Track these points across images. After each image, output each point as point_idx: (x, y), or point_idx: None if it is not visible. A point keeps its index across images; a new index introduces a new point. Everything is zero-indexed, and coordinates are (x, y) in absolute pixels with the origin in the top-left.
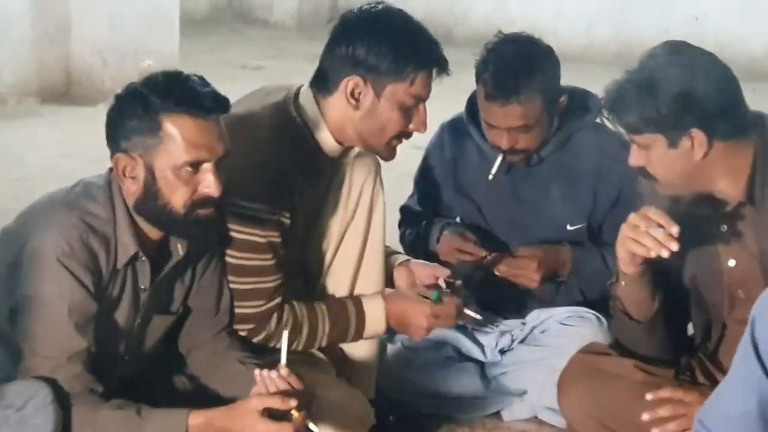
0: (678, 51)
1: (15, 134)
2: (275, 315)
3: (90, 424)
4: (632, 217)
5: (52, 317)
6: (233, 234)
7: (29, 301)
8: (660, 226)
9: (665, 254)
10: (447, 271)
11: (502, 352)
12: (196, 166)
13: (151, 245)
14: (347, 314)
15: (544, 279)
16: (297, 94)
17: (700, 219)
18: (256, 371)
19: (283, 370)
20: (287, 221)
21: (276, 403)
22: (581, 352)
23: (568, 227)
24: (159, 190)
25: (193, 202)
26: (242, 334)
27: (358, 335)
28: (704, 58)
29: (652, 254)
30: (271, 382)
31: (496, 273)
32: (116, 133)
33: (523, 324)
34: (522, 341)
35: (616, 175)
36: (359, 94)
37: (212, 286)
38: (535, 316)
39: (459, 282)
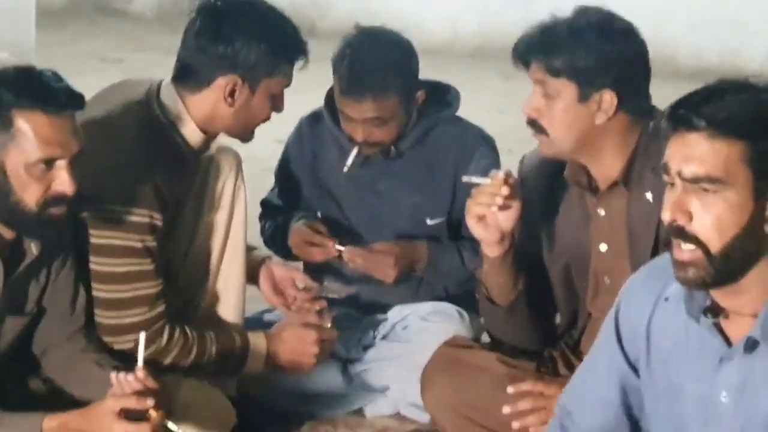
0: (612, 14)
1: None
2: (166, 330)
3: None
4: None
5: None
6: (106, 240)
7: None
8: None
9: (499, 201)
10: (304, 278)
11: (364, 348)
12: (49, 163)
13: (4, 245)
14: (233, 349)
15: (400, 274)
16: (158, 89)
17: (576, 202)
18: (112, 374)
19: (140, 372)
20: (160, 223)
21: (132, 403)
22: (444, 345)
23: (428, 221)
24: (11, 188)
25: (46, 200)
26: (127, 346)
27: (236, 371)
28: (636, 31)
29: (493, 208)
30: (127, 384)
31: (351, 266)
32: None
33: (385, 320)
34: (384, 337)
35: (474, 169)
36: (236, 93)
37: (67, 286)
38: (396, 312)
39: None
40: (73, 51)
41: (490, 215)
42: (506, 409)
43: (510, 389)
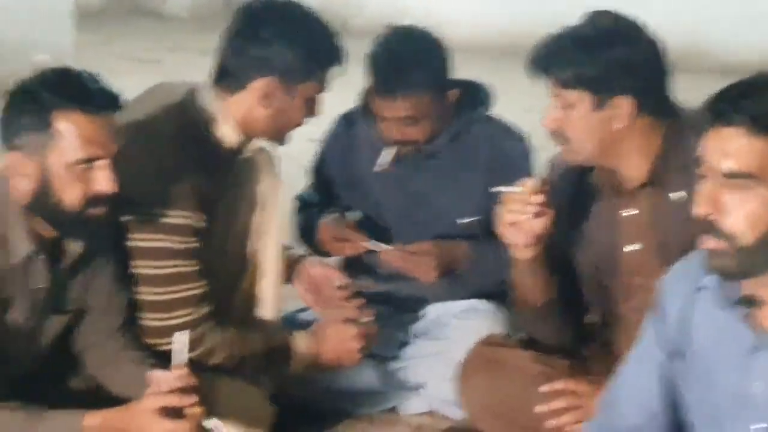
0: (621, 18)
1: None
2: (211, 331)
3: None
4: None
5: None
6: (148, 243)
7: None
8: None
9: (532, 209)
10: (340, 276)
11: (400, 346)
12: (89, 163)
13: (47, 243)
14: (275, 349)
15: (440, 274)
16: (196, 92)
17: (604, 204)
18: (151, 372)
19: (179, 370)
20: (200, 225)
21: (172, 401)
22: (479, 343)
23: (460, 221)
24: (52, 188)
25: (86, 199)
26: (167, 348)
27: (280, 371)
28: (647, 31)
29: (524, 216)
30: (166, 381)
31: (389, 267)
32: (8, 132)
33: (421, 318)
34: (420, 335)
35: (508, 166)
36: (272, 95)
37: (108, 285)
38: (432, 310)
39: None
40: (109, 52)
41: (522, 221)
42: (540, 408)
43: (544, 388)
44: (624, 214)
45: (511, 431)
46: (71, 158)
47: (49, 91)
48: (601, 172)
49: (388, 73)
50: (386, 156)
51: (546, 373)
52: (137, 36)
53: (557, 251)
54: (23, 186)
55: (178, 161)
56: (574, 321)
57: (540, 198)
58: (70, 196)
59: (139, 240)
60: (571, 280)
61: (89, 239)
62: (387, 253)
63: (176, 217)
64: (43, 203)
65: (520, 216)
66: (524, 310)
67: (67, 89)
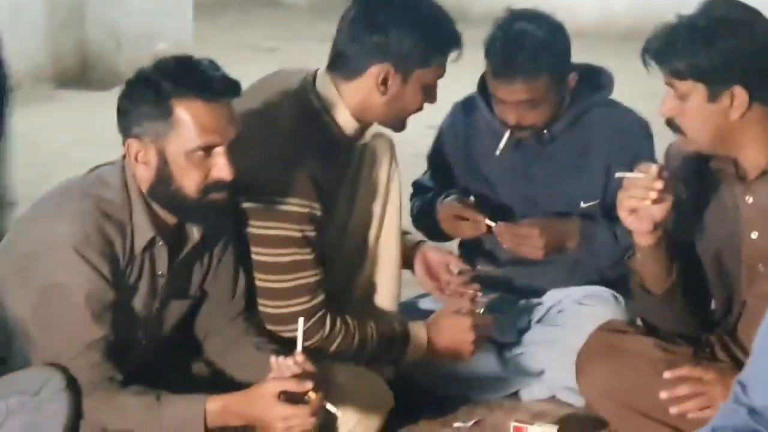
0: (737, 5)
1: (30, 120)
2: (328, 319)
3: (108, 411)
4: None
5: (69, 307)
6: (267, 231)
7: (46, 292)
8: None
9: (653, 195)
10: (458, 261)
11: (520, 332)
12: (208, 150)
13: (168, 230)
14: (394, 337)
15: (549, 250)
16: (314, 78)
17: (725, 190)
18: (272, 358)
19: (299, 356)
20: (319, 213)
21: (292, 386)
22: (599, 329)
23: (581, 204)
24: (171, 175)
25: (206, 186)
26: (292, 335)
27: (397, 359)
28: (762, 19)
29: (646, 202)
30: (286, 367)
31: (502, 243)
32: (128, 119)
33: (540, 304)
34: (539, 321)
35: (628, 151)
36: (389, 81)
37: (228, 271)
38: (552, 296)
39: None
40: (228, 41)
41: (642, 207)
42: (664, 395)
43: (667, 374)
44: (747, 201)
45: (631, 418)
46: (190, 146)
47: (168, 79)
48: (720, 160)
49: (508, 56)
50: (506, 140)
51: (668, 359)
52: (256, 25)
53: (679, 237)
54: (143, 174)
55: (297, 149)
56: (699, 308)
57: (660, 184)
58: (190, 183)
59: (258, 227)
60: (694, 266)
61: (209, 225)
62: (498, 227)
63: (295, 205)
64: (163, 190)
65: (641, 202)
66: (645, 297)
67: (186, 77)
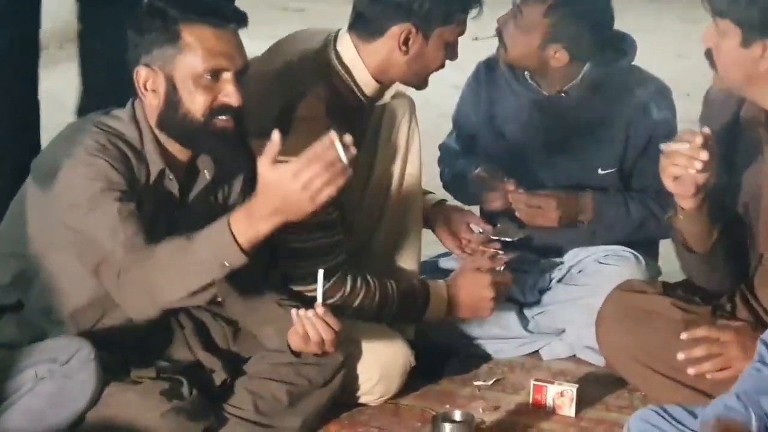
0: None
1: (57, 79)
2: (349, 278)
3: (147, 266)
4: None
5: (95, 199)
6: None
7: (70, 196)
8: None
9: (698, 165)
10: (478, 220)
11: (541, 291)
12: (215, 75)
13: (178, 167)
14: (414, 296)
15: (563, 220)
16: (335, 39)
17: (757, 140)
18: (293, 311)
19: (320, 309)
20: None
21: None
22: (618, 289)
23: (600, 171)
24: (180, 99)
25: (212, 109)
26: (310, 294)
27: (418, 318)
28: None
29: (690, 170)
30: (308, 321)
31: (517, 215)
32: (138, 49)
33: (561, 263)
34: (560, 281)
35: (648, 120)
36: (410, 41)
37: None
38: (573, 255)
39: (502, 265)
40: (255, 0)
41: (685, 174)
42: (680, 356)
43: (684, 335)
44: None
45: (650, 377)
46: (198, 69)
47: (176, 6)
48: (752, 109)
49: None
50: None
51: (687, 319)
52: None
53: (721, 198)
54: (152, 101)
55: (318, 106)
56: (739, 264)
57: (706, 155)
58: (197, 106)
59: None
60: (737, 226)
61: (220, 158)
62: (514, 196)
63: None
64: (171, 116)
65: (685, 170)
66: (688, 256)
67: (192, 4)
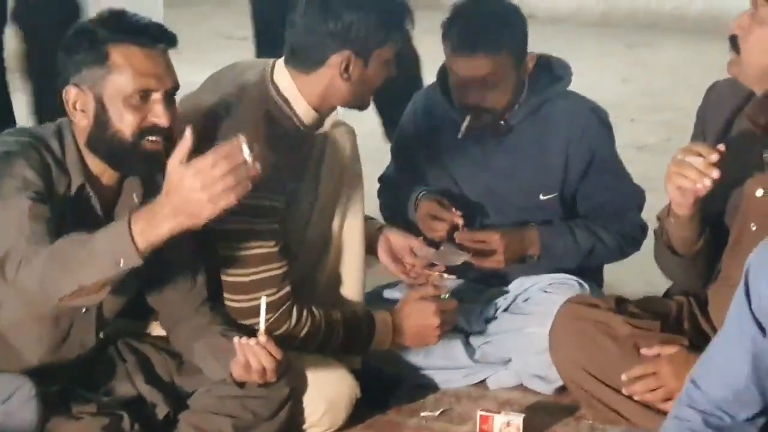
0: None
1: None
2: (294, 310)
3: (48, 261)
4: (677, 153)
5: (6, 206)
6: (229, 226)
7: None
8: (700, 155)
9: (708, 183)
10: (420, 245)
11: (487, 321)
12: (145, 96)
13: (103, 186)
14: (360, 326)
15: (509, 258)
16: (272, 70)
17: (749, 143)
18: (235, 339)
19: (262, 338)
20: (280, 205)
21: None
22: (570, 301)
23: (541, 197)
24: (109, 119)
25: (141, 129)
26: (256, 327)
27: (364, 348)
28: None
29: (698, 185)
30: (249, 349)
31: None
32: (67, 70)
33: (506, 292)
34: (506, 310)
35: (586, 144)
36: (350, 67)
37: (183, 260)
38: (518, 285)
39: (447, 293)
40: (200, 29)
41: (690, 186)
42: (624, 391)
43: (623, 377)
44: (760, 157)
45: (600, 390)
46: (127, 90)
47: (104, 26)
48: (756, 108)
49: (470, 31)
50: (467, 125)
51: (636, 335)
52: (227, 14)
53: (711, 205)
54: (81, 121)
55: (258, 142)
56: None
57: (717, 174)
58: (126, 126)
59: (221, 222)
60: (720, 227)
61: (147, 176)
62: (460, 235)
63: (257, 198)
64: (101, 137)
65: (693, 185)
66: (669, 257)
67: (121, 24)
